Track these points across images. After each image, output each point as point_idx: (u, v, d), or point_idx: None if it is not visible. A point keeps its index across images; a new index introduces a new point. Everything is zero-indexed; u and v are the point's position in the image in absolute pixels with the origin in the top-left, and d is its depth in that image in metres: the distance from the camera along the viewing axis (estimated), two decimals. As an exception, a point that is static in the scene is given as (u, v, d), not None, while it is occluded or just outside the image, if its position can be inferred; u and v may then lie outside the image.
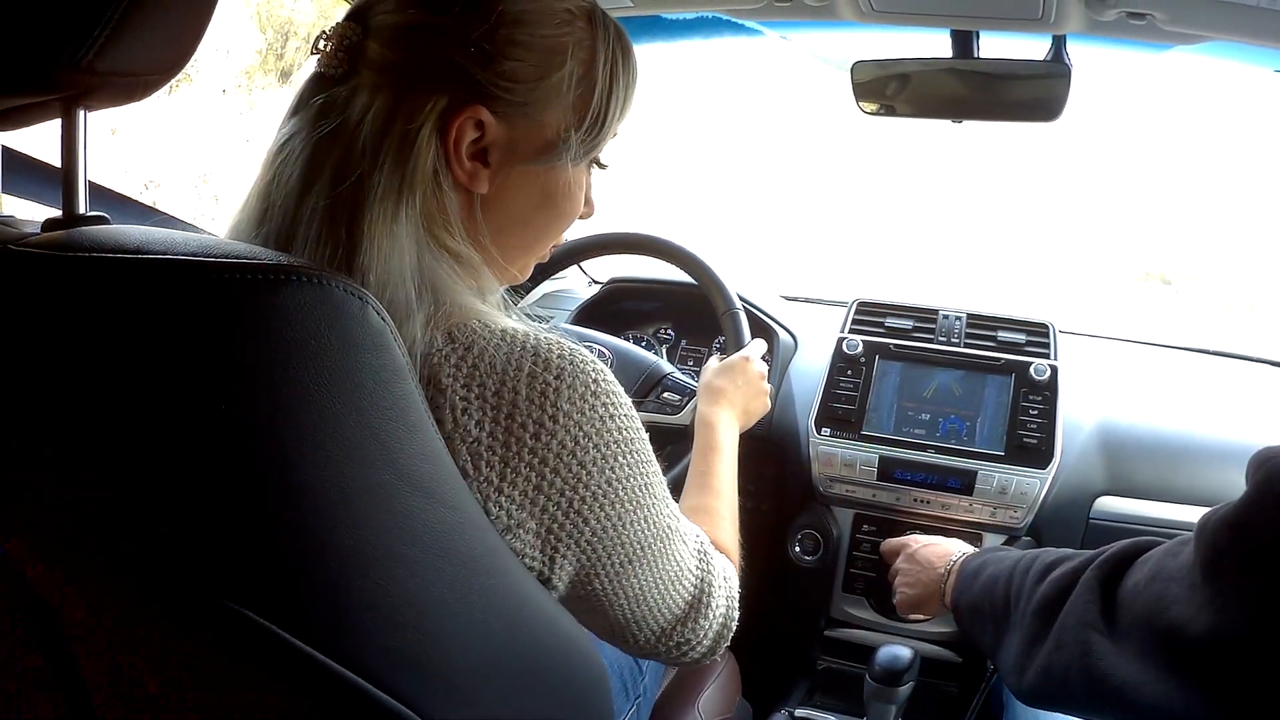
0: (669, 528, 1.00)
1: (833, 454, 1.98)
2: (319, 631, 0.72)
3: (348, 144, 0.87)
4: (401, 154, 0.87)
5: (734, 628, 1.12)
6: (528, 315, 0.95)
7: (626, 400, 0.93)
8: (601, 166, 1.06)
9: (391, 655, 0.76)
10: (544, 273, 2.06)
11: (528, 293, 2.30)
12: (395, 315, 0.81)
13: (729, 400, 1.51)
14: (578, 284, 2.71)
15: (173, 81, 0.86)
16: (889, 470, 1.95)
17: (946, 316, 2.11)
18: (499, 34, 0.90)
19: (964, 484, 1.91)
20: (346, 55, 0.89)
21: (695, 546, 1.08)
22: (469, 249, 0.93)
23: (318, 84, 0.91)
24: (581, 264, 2.67)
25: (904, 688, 1.64)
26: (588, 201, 1.07)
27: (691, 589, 1.06)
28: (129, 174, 6.91)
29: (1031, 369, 1.97)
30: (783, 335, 2.23)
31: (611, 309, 2.41)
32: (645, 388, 1.85)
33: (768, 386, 1.62)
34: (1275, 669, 0.78)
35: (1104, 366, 2.25)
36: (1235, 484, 1.84)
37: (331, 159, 0.88)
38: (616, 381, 0.92)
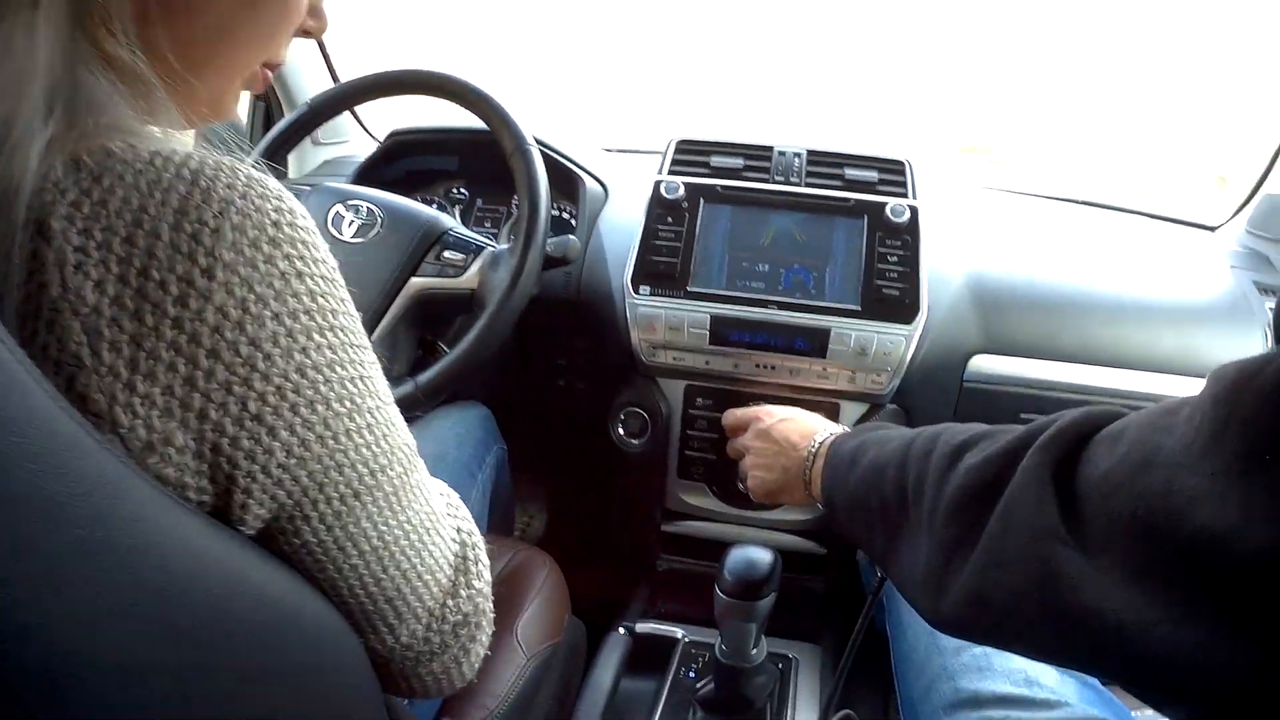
0: (407, 444, 0.75)
1: (654, 316, 1.67)
2: None
3: None
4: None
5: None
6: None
7: (328, 257, 0.66)
8: None
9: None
10: (306, 128, 1.72)
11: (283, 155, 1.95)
12: (8, 140, 0.55)
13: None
14: (363, 147, 2.38)
15: None
16: (723, 332, 1.65)
17: (783, 153, 1.81)
18: None
19: (814, 345, 1.62)
20: None
21: (436, 487, 0.85)
22: (139, 60, 0.64)
23: None
24: (360, 120, 2.39)
25: (764, 601, 1.39)
26: (314, 10, 0.80)
27: (452, 541, 0.83)
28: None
29: (888, 210, 1.68)
30: (589, 183, 1.94)
31: (396, 168, 2.09)
32: (423, 247, 1.55)
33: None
34: None
35: (968, 215, 2.02)
36: (1125, 340, 1.57)
37: None
38: (316, 230, 0.65)
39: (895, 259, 1.65)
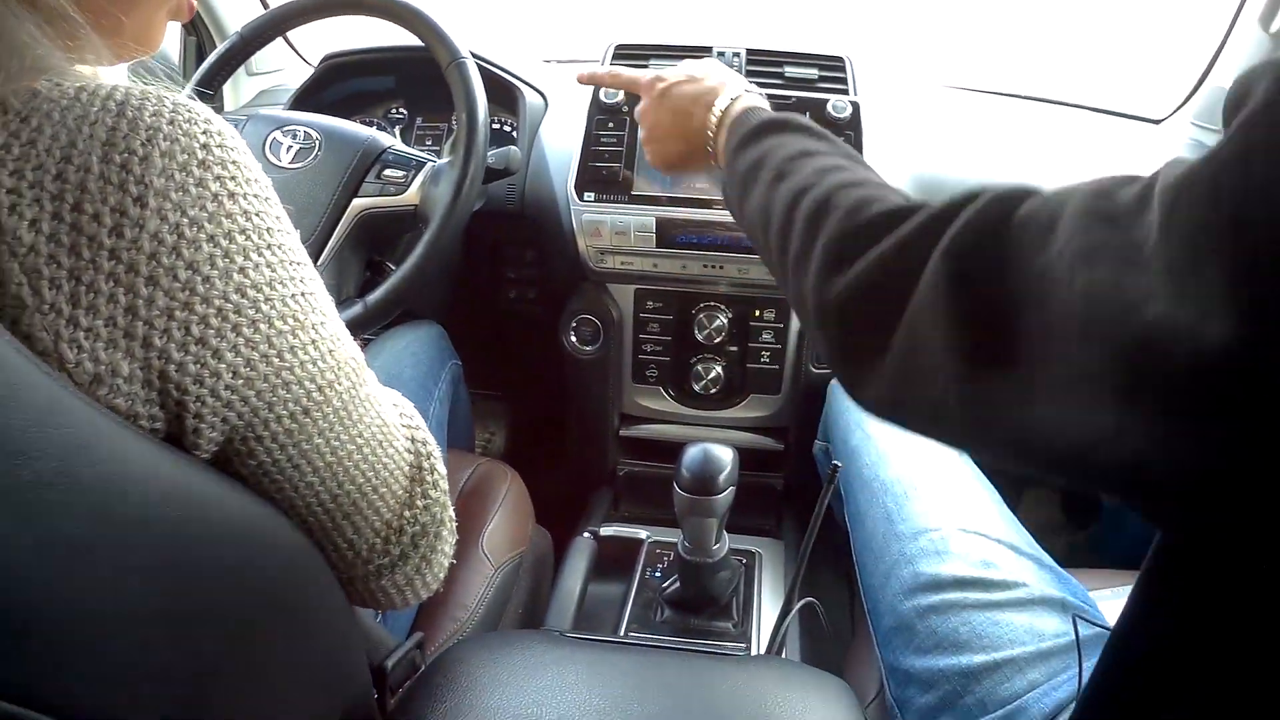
0: (354, 357, 0.75)
1: (600, 221, 1.67)
2: None
3: None
4: None
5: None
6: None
7: (260, 176, 0.65)
8: None
9: None
10: (238, 58, 1.68)
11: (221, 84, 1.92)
12: None
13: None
14: (298, 75, 2.32)
15: None
16: (669, 234, 1.66)
17: (722, 54, 1.80)
18: None
19: (760, 243, 1.61)
20: None
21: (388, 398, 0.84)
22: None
23: None
24: (294, 47, 2.32)
25: (723, 495, 1.41)
26: None
27: (406, 451, 0.83)
28: None
29: (829, 106, 1.68)
30: (528, 94, 1.91)
31: (332, 93, 2.04)
32: (362, 168, 1.52)
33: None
34: None
35: (913, 114, 2.00)
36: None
37: None
38: (247, 150, 0.64)
39: (838, 154, 1.64)
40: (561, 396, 1.98)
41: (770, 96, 1.65)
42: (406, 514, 0.82)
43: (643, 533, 1.77)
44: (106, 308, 0.57)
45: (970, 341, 0.59)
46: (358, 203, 1.47)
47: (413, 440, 0.84)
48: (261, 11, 2.02)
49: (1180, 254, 0.46)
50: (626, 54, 1.82)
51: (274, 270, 0.65)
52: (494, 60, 1.89)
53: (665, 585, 1.60)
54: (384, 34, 1.66)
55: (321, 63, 2.03)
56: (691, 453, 1.42)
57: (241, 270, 0.62)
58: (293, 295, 0.66)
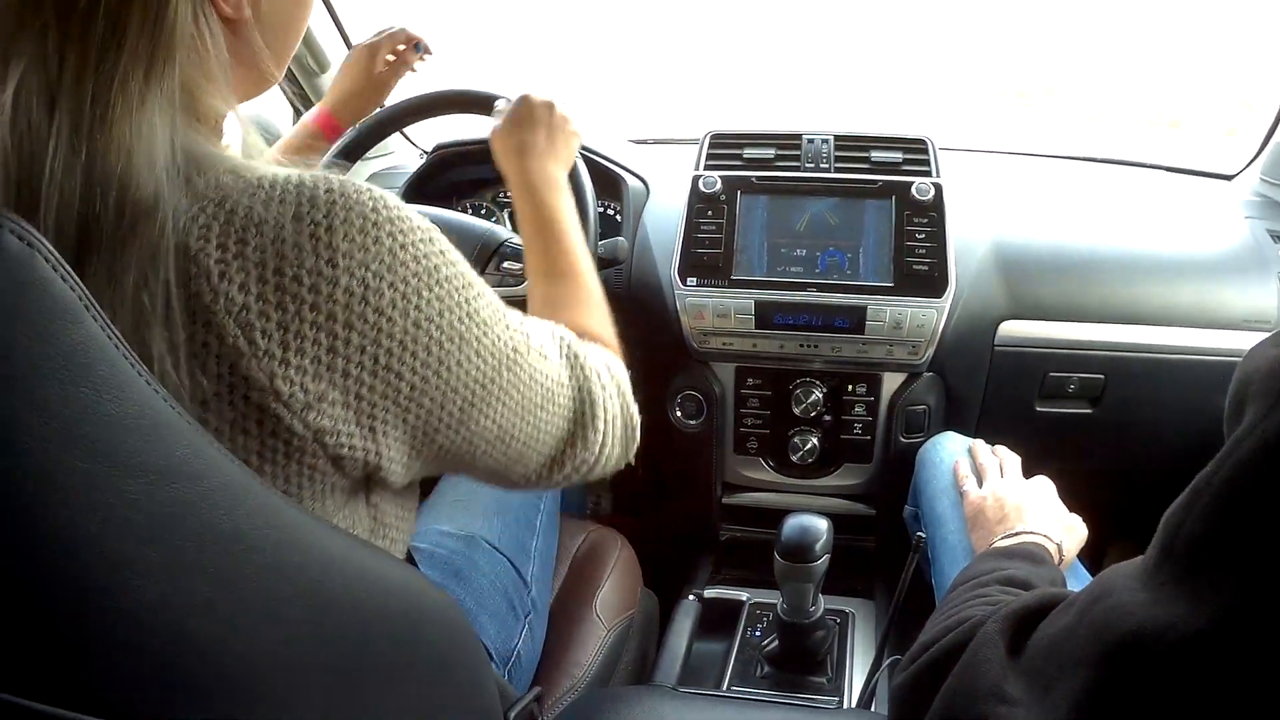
0: (514, 349, 0.88)
1: (702, 305, 1.78)
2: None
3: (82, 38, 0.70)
4: (149, 28, 0.71)
5: (639, 423, 1.06)
6: None
7: (421, 223, 0.79)
8: None
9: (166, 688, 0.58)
10: (360, 148, 1.80)
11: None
12: (158, 209, 0.68)
13: (537, 152, 1.29)
14: (408, 159, 2.48)
15: None
16: (767, 316, 1.77)
17: (811, 140, 1.92)
18: None
19: (853, 322, 1.74)
20: None
21: (560, 351, 0.97)
22: (230, 104, 0.81)
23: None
24: (406, 135, 2.46)
25: (819, 563, 1.50)
26: None
27: (568, 403, 0.96)
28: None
29: (913, 189, 1.79)
30: (631, 181, 2.02)
31: (442, 179, 2.17)
32: (482, 259, 1.62)
33: (568, 115, 1.37)
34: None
35: (988, 182, 2.09)
36: (1145, 297, 1.70)
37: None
38: (403, 206, 0.78)
39: (923, 235, 1.76)
40: (666, 465, 2.06)
41: (858, 182, 1.79)
42: (569, 450, 0.97)
43: (744, 594, 1.84)
44: (311, 349, 0.71)
45: (995, 682, 0.72)
46: (479, 295, 1.57)
47: (577, 391, 0.97)
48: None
49: (1175, 572, 0.58)
50: (721, 141, 1.95)
51: (442, 301, 0.78)
52: (595, 148, 1.99)
53: (765, 643, 1.68)
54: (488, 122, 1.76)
55: (432, 153, 2.15)
56: (790, 523, 1.50)
57: (416, 307, 0.76)
58: (458, 318, 0.80)
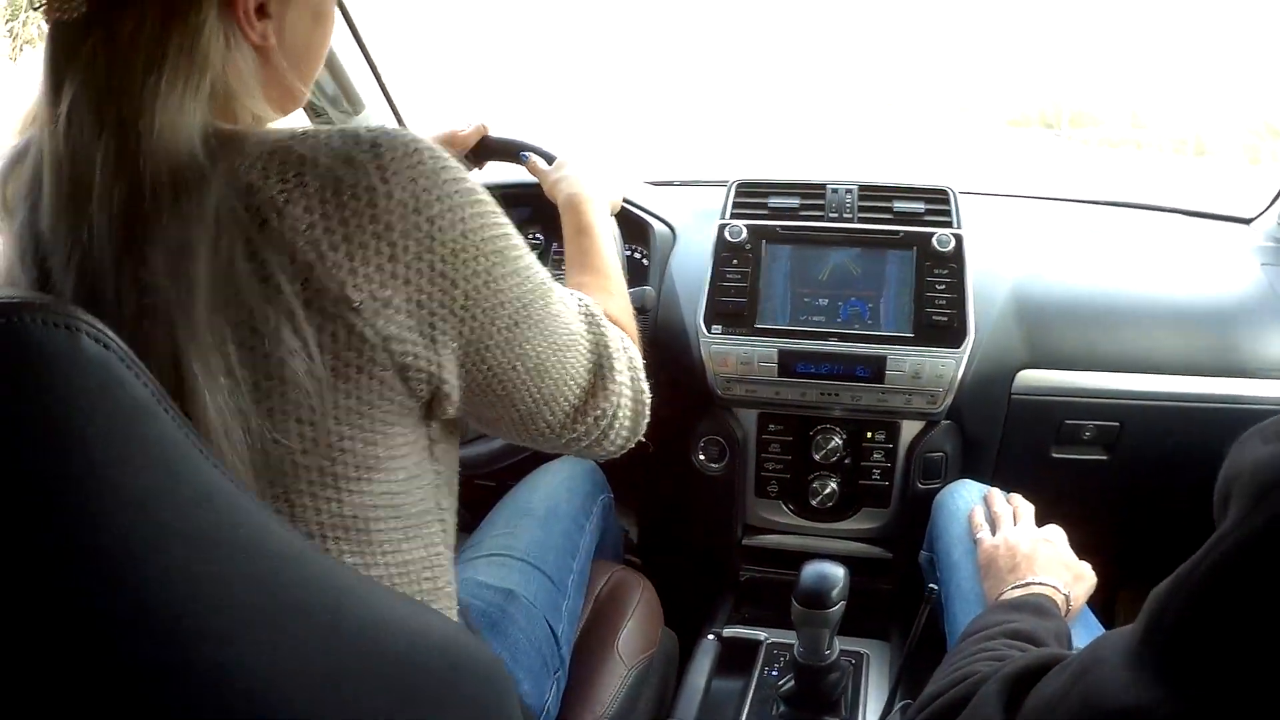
0: (543, 282, 0.98)
1: (727, 352, 1.83)
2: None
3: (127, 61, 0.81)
4: (187, 52, 0.82)
5: (649, 400, 1.13)
6: None
7: (454, 162, 0.89)
8: None
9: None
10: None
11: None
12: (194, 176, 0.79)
13: (585, 184, 1.45)
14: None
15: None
16: (790, 364, 1.81)
17: (835, 190, 1.96)
18: None
19: (873, 371, 1.78)
20: None
21: (579, 309, 1.06)
22: (269, 116, 0.92)
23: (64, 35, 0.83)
24: None
25: (834, 609, 1.53)
26: None
27: (588, 353, 1.04)
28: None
29: (934, 240, 1.83)
30: (658, 227, 2.07)
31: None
32: None
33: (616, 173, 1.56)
34: None
35: (1008, 228, 2.13)
36: (1162, 346, 1.75)
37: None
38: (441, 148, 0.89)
39: (943, 286, 1.80)
40: (688, 507, 2.10)
41: (879, 233, 1.83)
42: (591, 400, 1.04)
43: (762, 634, 1.87)
44: (374, 258, 0.81)
45: None
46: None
47: (595, 344, 1.05)
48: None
49: (1159, 655, 0.60)
50: (747, 189, 1.99)
51: (483, 218, 0.88)
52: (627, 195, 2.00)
53: (781, 684, 1.71)
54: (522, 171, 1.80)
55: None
56: (808, 570, 1.53)
57: (461, 219, 0.85)
58: (497, 235, 0.89)
